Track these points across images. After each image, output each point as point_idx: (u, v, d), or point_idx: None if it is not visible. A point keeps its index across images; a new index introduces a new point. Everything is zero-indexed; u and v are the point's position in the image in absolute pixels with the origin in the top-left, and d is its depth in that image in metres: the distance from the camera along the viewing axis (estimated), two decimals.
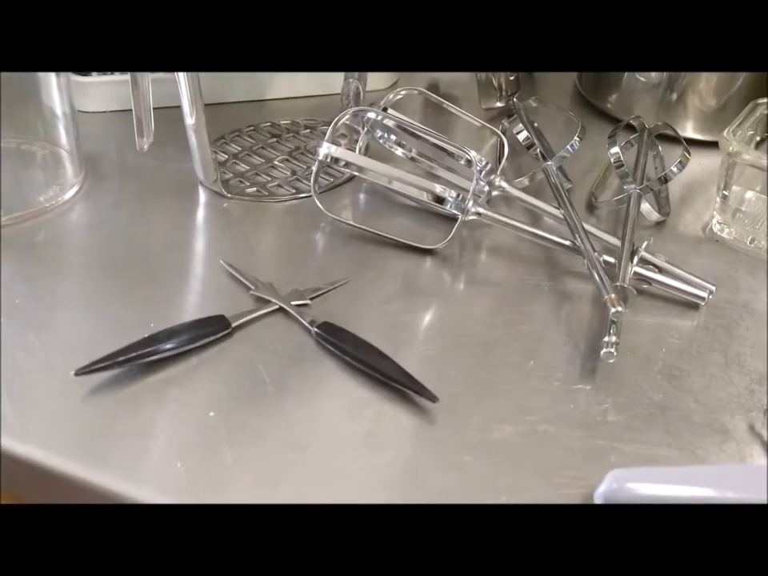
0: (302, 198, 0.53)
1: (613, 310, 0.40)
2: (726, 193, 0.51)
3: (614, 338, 0.39)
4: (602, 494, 0.32)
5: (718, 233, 0.52)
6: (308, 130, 0.62)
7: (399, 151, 0.56)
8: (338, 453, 0.35)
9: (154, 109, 0.48)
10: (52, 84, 0.50)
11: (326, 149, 0.47)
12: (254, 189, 0.54)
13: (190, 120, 0.49)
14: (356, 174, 0.51)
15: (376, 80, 0.67)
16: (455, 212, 0.48)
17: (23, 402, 0.36)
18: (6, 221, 0.47)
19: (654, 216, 0.53)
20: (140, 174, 0.54)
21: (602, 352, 0.39)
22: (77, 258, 0.46)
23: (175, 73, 0.47)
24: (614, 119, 0.65)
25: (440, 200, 0.47)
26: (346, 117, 0.50)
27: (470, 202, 0.47)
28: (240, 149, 0.58)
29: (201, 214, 0.52)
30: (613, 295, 0.41)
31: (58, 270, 0.45)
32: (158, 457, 0.34)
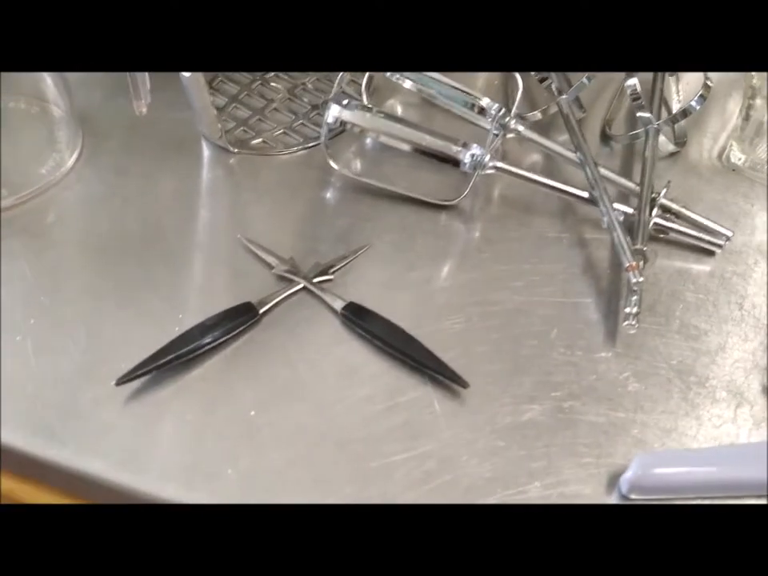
0: (310, 147, 0.51)
1: (634, 279, 0.41)
2: (747, 121, 0.50)
3: (635, 309, 0.40)
4: (628, 479, 0.35)
5: (736, 162, 0.51)
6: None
7: (408, 84, 0.54)
8: (379, 446, 0.37)
9: None
10: None
11: (335, 112, 0.45)
12: (259, 140, 0.52)
13: (185, 74, 0.47)
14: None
15: None
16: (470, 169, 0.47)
17: (62, 409, 0.38)
18: (13, 201, 0.46)
19: (670, 147, 0.52)
20: (139, 128, 0.52)
21: (623, 324, 0.40)
22: (91, 239, 0.45)
23: None
24: None
25: (456, 162, 0.46)
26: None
27: (487, 156, 0.46)
28: (238, 88, 0.55)
29: (209, 174, 0.50)
30: (634, 263, 0.41)
31: (75, 256, 0.44)
32: (207, 463, 0.36)
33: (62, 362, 0.39)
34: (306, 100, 0.55)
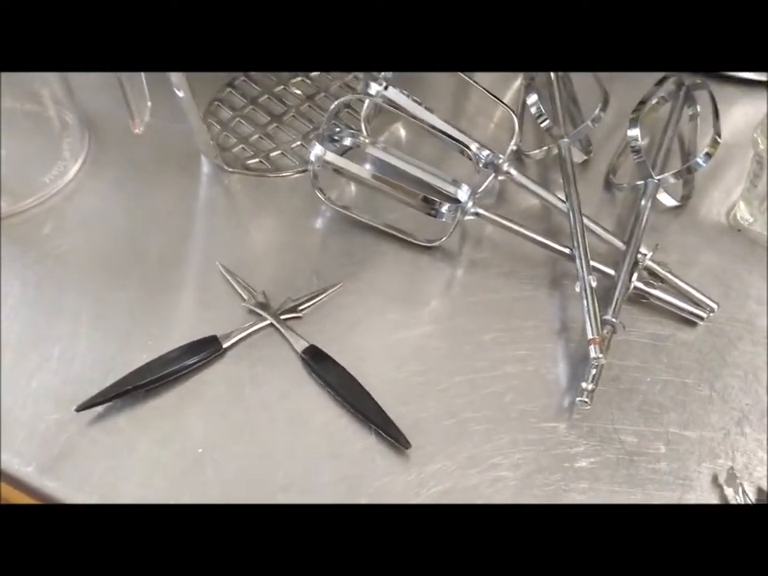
0: (305, 171, 0.52)
1: (593, 355, 0.40)
2: (755, 183, 0.48)
3: (591, 386, 0.40)
4: None
5: (742, 222, 0.49)
6: (337, 85, 0.57)
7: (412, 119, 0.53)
8: (316, 496, 0.38)
9: None
10: None
11: (318, 151, 0.45)
12: (257, 160, 0.52)
13: (179, 93, 0.47)
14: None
15: None
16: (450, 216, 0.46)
17: (28, 428, 0.40)
18: (14, 209, 0.48)
19: (672, 203, 0.50)
20: (144, 140, 0.52)
21: (576, 399, 0.40)
22: (81, 254, 0.47)
23: None
24: None
25: (433, 210, 0.45)
26: (342, 103, 0.47)
27: (469, 202, 0.46)
28: (245, 101, 0.56)
29: (203, 192, 0.51)
30: (597, 337, 0.41)
31: (63, 271, 0.46)
32: (152, 497, 0.38)
33: (33, 380, 0.42)
34: (309, 119, 0.55)
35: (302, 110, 0.56)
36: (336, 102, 0.46)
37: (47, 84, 0.50)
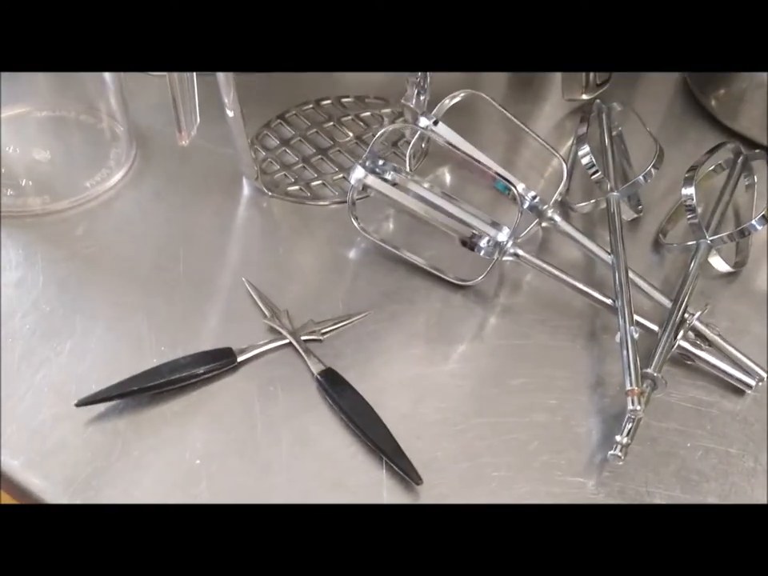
0: (343, 202, 0.51)
1: (631, 406, 0.37)
2: None
3: (625, 440, 0.36)
4: None
5: None
6: (370, 113, 0.58)
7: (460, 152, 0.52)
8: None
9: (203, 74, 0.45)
10: None
11: (359, 174, 0.44)
12: (297, 187, 0.52)
13: (229, 113, 0.48)
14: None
15: None
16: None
17: (23, 419, 0.38)
18: (53, 208, 0.48)
19: (725, 268, 0.47)
20: (187, 156, 0.53)
21: (609, 453, 0.37)
22: (109, 258, 0.47)
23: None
24: (718, 123, 0.58)
25: (471, 245, 0.43)
26: (390, 130, 0.47)
27: (509, 242, 0.44)
28: (294, 132, 0.56)
29: (240, 212, 0.51)
30: (636, 388, 0.38)
31: (89, 272, 0.46)
32: (141, 500, 0.36)
33: (39, 373, 0.40)
34: (353, 153, 0.55)
35: (349, 146, 0.55)
36: (383, 129, 0.46)
37: (105, 98, 0.51)
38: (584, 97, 0.58)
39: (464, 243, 0.44)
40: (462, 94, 0.50)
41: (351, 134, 0.56)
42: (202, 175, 0.52)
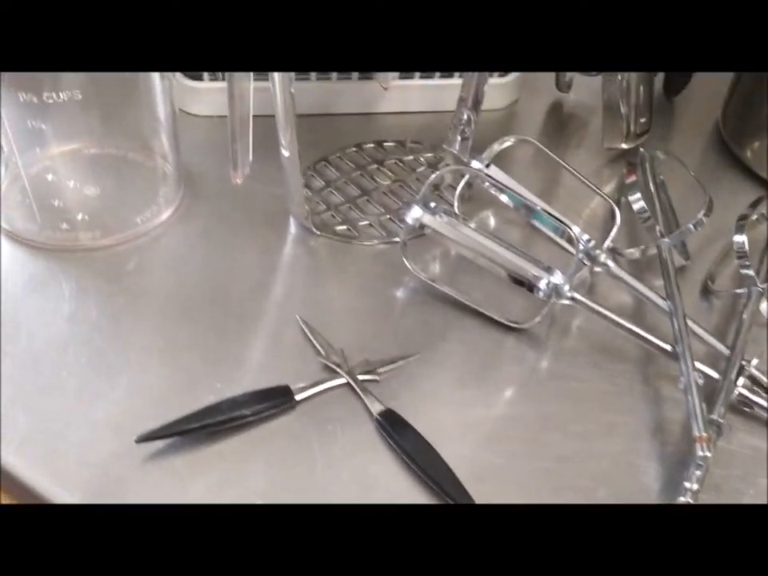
0: (390, 243, 0.51)
1: (701, 453, 0.37)
2: None
3: (695, 486, 0.36)
4: None
5: None
6: (411, 157, 0.59)
7: (504, 198, 0.53)
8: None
9: (254, 116, 0.45)
10: (156, 85, 0.48)
11: (416, 213, 0.44)
12: (344, 227, 0.52)
13: (285, 153, 0.48)
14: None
15: (494, 99, 0.63)
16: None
17: (81, 454, 0.38)
18: (103, 243, 0.48)
19: None
20: (235, 195, 0.53)
21: (679, 498, 0.36)
22: (160, 294, 0.46)
23: (275, 104, 0.45)
24: (753, 174, 0.59)
25: (530, 286, 0.44)
26: (439, 175, 0.47)
27: (566, 286, 0.44)
28: (338, 175, 0.57)
29: (288, 250, 0.51)
30: (705, 434, 0.37)
31: (141, 307, 0.45)
32: None
33: (96, 408, 0.39)
34: (398, 196, 0.55)
35: (393, 188, 0.56)
36: (438, 172, 0.46)
37: (158, 137, 0.52)
38: (623, 146, 0.59)
39: (520, 283, 0.44)
40: (512, 139, 0.50)
41: (394, 177, 0.57)
42: (248, 213, 0.53)
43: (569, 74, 0.65)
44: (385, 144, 0.60)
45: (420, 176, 0.57)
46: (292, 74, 0.44)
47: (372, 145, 0.60)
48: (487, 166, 0.49)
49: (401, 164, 0.58)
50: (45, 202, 0.47)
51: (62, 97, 0.40)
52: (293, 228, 0.52)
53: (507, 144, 0.50)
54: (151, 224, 0.50)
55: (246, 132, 0.47)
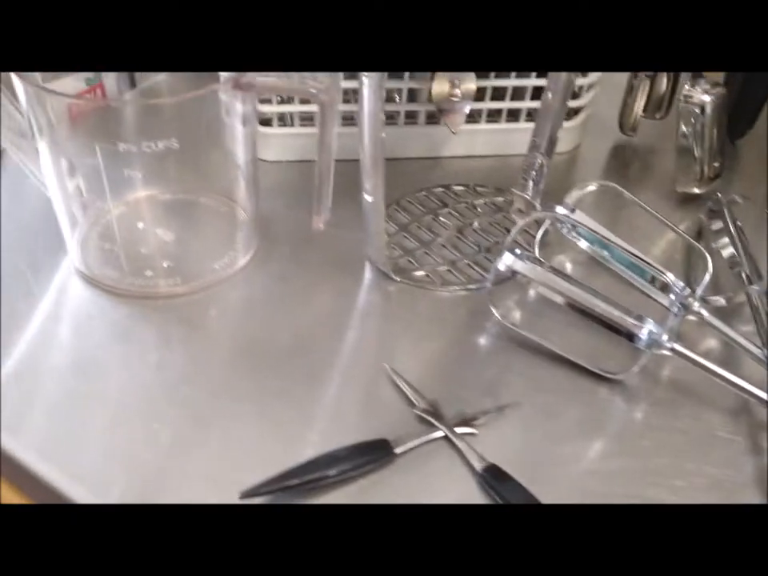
0: (471, 289, 0.50)
1: None
2: None
3: None
4: None
5: None
6: (482, 200, 0.58)
7: (584, 244, 0.52)
8: None
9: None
10: (239, 132, 0.48)
11: (508, 260, 0.44)
12: (423, 273, 0.51)
13: (368, 198, 0.48)
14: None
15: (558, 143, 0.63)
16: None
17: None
18: (183, 289, 0.48)
19: None
20: (311, 240, 0.53)
21: None
22: (243, 340, 0.46)
23: (362, 149, 0.45)
24: None
25: (630, 335, 0.43)
26: (527, 222, 0.47)
27: (665, 336, 0.43)
28: (409, 219, 0.56)
29: (366, 296, 0.50)
30: None
31: (225, 354, 0.45)
32: None
33: (191, 460, 0.39)
34: (472, 240, 0.55)
35: (465, 232, 0.55)
36: (527, 218, 0.46)
37: (238, 184, 0.52)
38: (697, 190, 0.58)
39: (616, 331, 0.43)
40: (595, 185, 0.50)
41: (464, 221, 0.56)
42: (325, 258, 0.52)
43: (633, 116, 0.65)
44: (452, 187, 0.60)
45: (491, 219, 0.56)
46: (383, 117, 0.44)
47: (440, 189, 0.60)
48: (572, 211, 0.48)
49: (471, 208, 0.58)
50: (131, 250, 0.46)
51: (159, 146, 0.39)
52: (368, 273, 0.52)
53: (590, 189, 0.50)
54: (230, 270, 0.50)
55: (328, 178, 0.47)
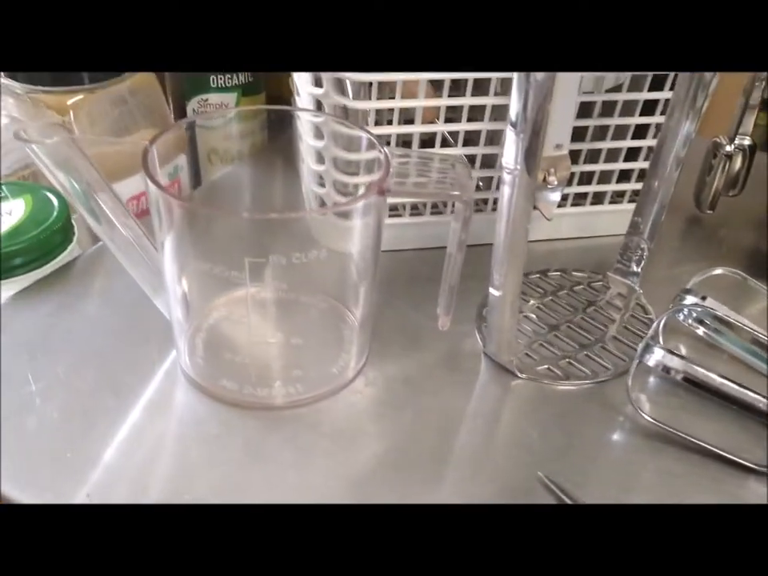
0: (599, 382, 0.49)
1: None
2: None
3: None
4: None
5: None
6: (581, 286, 0.58)
7: (700, 331, 0.51)
8: None
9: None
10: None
11: (659, 356, 0.42)
12: (545, 367, 0.50)
13: (495, 293, 0.47)
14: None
15: None
16: None
17: None
18: (308, 398, 0.46)
19: None
20: (420, 335, 0.52)
21: None
22: (380, 449, 0.44)
23: (498, 240, 0.44)
24: None
25: None
26: (668, 314, 0.46)
27: None
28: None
29: (489, 393, 0.48)
30: None
31: (356, 463, 0.43)
32: None
33: None
34: (588, 331, 0.53)
35: (575, 320, 0.54)
36: (667, 313, 0.45)
37: (346, 286, 0.50)
38: None
39: None
40: (720, 270, 0.49)
41: (572, 309, 0.55)
42: (440, 355, 0.51)
43: (713, 194, 0.65)
44: (549, 273, 0.59)
45: (599, 308, 0.55)
46: (531, 208, 0.43)
47: (537, 275, 0.59)
48: (703, 298, 0.48)
49: (573, 294, 0.57)
50: (247, 356, 0.44)
51: (309, 257, 0.38)
52: (485, 368, 0.50)
53: (716, 273, 0.49)
54: (348, 373, 0.48)
55: (456, 275, 0.46)
